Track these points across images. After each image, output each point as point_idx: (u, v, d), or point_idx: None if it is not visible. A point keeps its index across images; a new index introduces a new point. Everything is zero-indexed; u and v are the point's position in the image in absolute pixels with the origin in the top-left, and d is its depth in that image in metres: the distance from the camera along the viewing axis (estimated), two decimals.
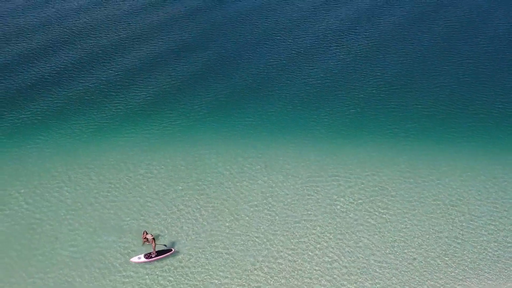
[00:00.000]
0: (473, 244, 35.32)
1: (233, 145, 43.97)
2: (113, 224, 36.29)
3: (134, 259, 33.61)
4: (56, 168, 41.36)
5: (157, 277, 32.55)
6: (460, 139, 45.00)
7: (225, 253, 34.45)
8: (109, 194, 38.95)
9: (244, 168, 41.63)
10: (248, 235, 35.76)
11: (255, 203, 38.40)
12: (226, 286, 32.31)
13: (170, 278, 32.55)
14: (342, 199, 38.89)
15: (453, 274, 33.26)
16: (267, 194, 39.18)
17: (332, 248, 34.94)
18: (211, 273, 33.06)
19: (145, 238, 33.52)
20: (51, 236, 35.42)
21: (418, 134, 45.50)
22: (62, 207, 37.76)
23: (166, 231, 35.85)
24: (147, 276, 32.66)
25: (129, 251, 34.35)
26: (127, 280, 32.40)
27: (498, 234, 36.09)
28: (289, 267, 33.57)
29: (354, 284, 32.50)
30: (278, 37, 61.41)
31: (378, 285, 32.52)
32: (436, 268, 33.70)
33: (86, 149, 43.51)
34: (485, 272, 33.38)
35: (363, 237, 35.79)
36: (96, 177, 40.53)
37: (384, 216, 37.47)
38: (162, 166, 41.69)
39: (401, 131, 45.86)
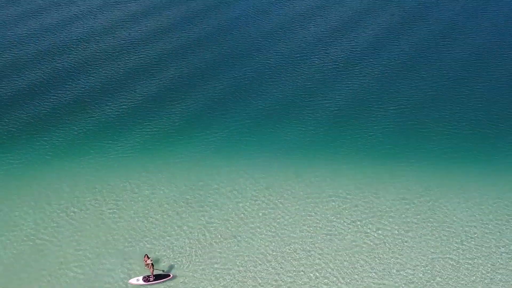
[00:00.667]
0: (467, 265, 36.42)
1: (234, 166, 45.14)
2: (117, 246, 37.47)
3: (133, 281, 34.70)
4: (63, 188, 42.58)
5: None
6: (453, 159, 46.15)
7: (226, 273, 35.61)
8: (114, 215, 40.15)
9: (246, 188, 42.78)
10: (248, 256, 36.93)
11: (256, 224, 39.59)
12: None
13: None
14: (339, 219, 40.03)
15: None
16: (267, 215, 40.35)
17: (331, 269, 36.09)
18: None
19: (146, 262, 34.65)
20: (58, 257, 36.62)
21: (413, 155, 46.65)
22: (69, 228, 38.96)
23: (168, 253, 37.00)
24: None
25: (130, 273, 35.50)
26: None
27: (492, 256, 37.20)
28: (289, 285, 34.83)
29: None
30: (277, 46, 62.67)
31: None
32: None
33: (91, 168, 44.74)
34: None
35: (360, 258, 36.92)
36: (102, 198, 41.77)
37: (380, 237, 38.60)
38: (166, 187, 42.86)
39: (398, 151, 47.06)
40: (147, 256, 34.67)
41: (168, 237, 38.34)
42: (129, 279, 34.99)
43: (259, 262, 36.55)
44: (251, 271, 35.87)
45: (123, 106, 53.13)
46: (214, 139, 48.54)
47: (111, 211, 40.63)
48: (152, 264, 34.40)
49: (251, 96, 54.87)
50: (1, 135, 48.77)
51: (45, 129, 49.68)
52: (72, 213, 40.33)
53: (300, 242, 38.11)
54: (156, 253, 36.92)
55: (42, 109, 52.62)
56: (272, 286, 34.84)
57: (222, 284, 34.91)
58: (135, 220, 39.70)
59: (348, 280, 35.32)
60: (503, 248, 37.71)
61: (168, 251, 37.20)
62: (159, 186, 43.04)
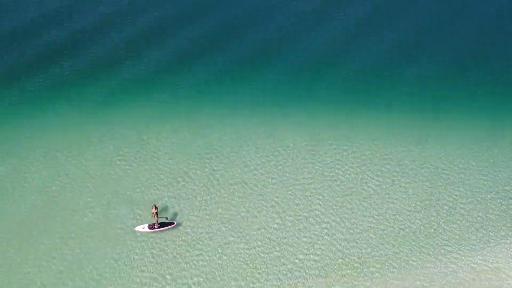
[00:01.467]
0: (462, 211, 38.07)
1: (238, 115, 46.01)
2: (126, 194, 39.05)
3: (139, 228, 36.48)
4: (75, 137, 43.61)
5: (155, 246, 35.60)
6: (450, 106, 46.85)
7: (230, 219, 37.37)
8: (123, 163, 41.48)
9: (250, 137, 43.79)
10: (251, 202, 38.60)
11: (259, 171, 40.92)
12: (228, 254, 35.43)
13: (165, 248, 35.57)
14: (338, 166, 41.37)
15: (443, 238, 36.21)
16: (269, 162, 41.62)
17: (330, 213, 37.84)
18: (212, 241, 36.13)
19: (152, 211, 36.17)
20: (69, 206, 38.24)
21: (410, 102, 47.32)
22: (80, 177, 40.32)
23: (173, 201, 38.59)
24: (143, 244, 35.74)
25: (139, 219, 37.27)
26: (128, 246, 35.56)
27: (485, 201, 38.79)
28: (291, 230, 36.65)
29: (351, 244, 35.62)
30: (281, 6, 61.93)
31: (373, 250, 35.55)
32: (427, 234, 36.59)
33: (102, 118, 45.60)
34: (472, 239, 36.33)
35: (358, 203, 38.63)
36: (111, 146, 42.93)
37: (378, 182, 40.06)
38: (172, 136, 43.88)
39: (396, 99, 47.68)
40: (155, 206, 36.20)
41: (174, 185, 39.78)
42: (137, 226, 36.72)
43: (262, 207, 38.19)
44: (255, 216, 37.58)
45: (128, 61, 53.29)
46: (216, 87, 49.01)
47: (120, 158, 41.89)
48: (156, 213, 35.99)
49: (250, 42, 54.78)
50: (10, 85, 49.20)
51: (57, 77, 49.99)
52: (82, 162, 41.54)
53: (301, 188, 39.61)
54: (163, 200, 38.48)
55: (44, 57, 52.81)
56: (275, 229, 36.65)
57: (226, 228, 36.71)
58: (144, 168, 41.02)
59: (346, 224, 37.07)
60: (495, 194, 39.26)
61: (173, 199, 38.76)
62: (165, 135, 44.02)
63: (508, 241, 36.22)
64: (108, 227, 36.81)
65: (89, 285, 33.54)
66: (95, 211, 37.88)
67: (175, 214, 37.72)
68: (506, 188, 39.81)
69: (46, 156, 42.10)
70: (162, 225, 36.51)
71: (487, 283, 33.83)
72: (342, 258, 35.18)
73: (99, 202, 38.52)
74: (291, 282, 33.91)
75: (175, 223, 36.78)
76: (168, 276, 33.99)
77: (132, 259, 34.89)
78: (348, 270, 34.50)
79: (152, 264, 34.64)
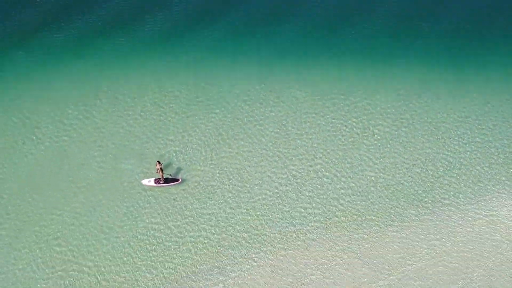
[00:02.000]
0: (459, 165, 39.15)
1: (241, 70, 46.22)
2: (133, 148, 40.13)
3: (145, 181, 37.64)
4: (83, 91, 44.15)
5: (162, 199, 37.06)
6: (451, 59, 46.94)
7: (234, 173, 38.59)
8: (131, 117, 42.27)
9: (253, 91, 44.28)
10: (255, 155, 39.73)
11: (264, 125, 41.77)
12: (233, 206, 36.83)
13: (172, 201, 37.05)
14: (339, 119, 42.13)
15: (441, 191, 37.45)
16: (273, 115, 42.39)
17: (332, 166, 39.04)
18: (217, 194, 37.46)
19: (156, 167, 37.26)
20: (79, 159, 39.44)
21: (412, 54, 47.38)
22: (88, 130, 41.25)
23: (179, 157, 39.66)
24: (150, 197, 37.19)
25: (146, 172, 38.50)
26: (136, 199, 37.06)
27: (483, 153, 39.73)
28: (293, 182, 37.99)
29: (352, 197, 36.96)
30: None
31: (372, 202, 36.88)
32: (425, 187, 37.81)
33: (110, 72, 45.87)
34: (469, 192, 37.61)
35: (359, 154, 39.70)
36: (123, 98, 43.58)
37: (378, 134, 40.93)
38: (176, 89, 44.40)
39: (397, 52, 47.74)
40: (159, 162, 37.29)
41: (179, 139, 40.74)
42: (143, 179, 37.97)
43: (266, 160, 39.29)
44: (259, 168, 38.78)
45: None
46: (220, 43, 48.90)
47: (129, 111, 42.64)
48: (161, 169, 37.11)
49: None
50: (19, 33, 49.26)
51: (67, 32, 49.94)
52: (90, 116, 42.34)
53: (304, 142, 40.57)
54: (170, 154, 39.55)
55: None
56: (278, 181, 38.01)
57: (231, 181, 38.02)
58: (150, 122, 41.84)
59: (347, 177, 38.29)
60: (494, 149, 40.14)
61: (179, 153, 39.79)
62: (171, 89, 44.52)
63: (503, 193, 37.41)
64: (116, 180, 38.10)
65: (99, 237, 35.18)
66: (103, 164, 39.08)
67: (180, 169, 38.85)
68: (504, 142, 40.61)
69: (55, 109, 42.79)
70: (167, 180, 37.64)
71: (482, 233, 35.27)
72: (342, 210, 36.56)
73: (107, 155, 39.65)
74: (293, 232, 35.44)
75: (180, 180, 37.92)
76: (174, 229, 35.57)
77: (140, 212, 36.39)
78: (348, 222, 35.94)
79: (160, 216, 36.14)
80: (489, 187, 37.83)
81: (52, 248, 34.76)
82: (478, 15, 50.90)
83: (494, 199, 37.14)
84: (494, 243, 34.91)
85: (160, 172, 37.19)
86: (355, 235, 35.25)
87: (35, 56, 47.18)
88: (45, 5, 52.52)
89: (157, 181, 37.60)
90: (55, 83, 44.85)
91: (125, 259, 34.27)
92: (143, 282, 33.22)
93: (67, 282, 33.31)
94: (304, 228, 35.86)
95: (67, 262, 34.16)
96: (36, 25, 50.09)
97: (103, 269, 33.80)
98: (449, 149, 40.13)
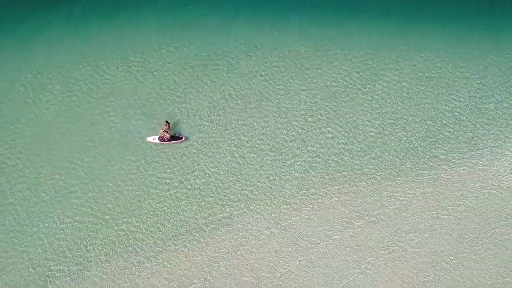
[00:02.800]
0: (456, 119, 40.67)
1: (244, 23, 46.62)
2: (142, 105, 41.57)
3: (150, 138, 39.28)
4: (95, 46, 44.88)
5: (159, 156, 38.98)
6: (451, 13, 47.34)
7: (239, 127, 40.32)
8: (141, 73, 43.35)
9: (257, 46, 45.05)
10: (261, 110, 41.26)
11: (268, 80, 43.00)
12: (238, 161, 38.79)
13: (180, 157, 39.02)
14: (341, 76, 43.24)
15: (438, 146, 39.23)
16: (278, 71, 43.53)
17: (334, 123, 40.57)
18: (222, 149, 39.34)
19: (165, 126, 38.96)
20: (91, 116, 41.07)
21: (412, 8, 47.63)
22: (101, 85, 42.48)
23: (185, 117, 41.07)
24: (151, 154, 39.12)
25: (153, 130, 40.18)
26: (144, 154, 39.09)
27: (483, 110, 41.21)
28: (297, 136, 39.77)
29: (353, 152, 38.86)
30: None
31: (372, 156, 38.77)
32: (424, 142, 39.54)
33: (116, 28, 46.35)
34: (464, 147, 39.36)
35: (360, 110, 41.15)
36: (134, 56, 44.33)
37: (378, 92, 42.23)
38: (187, 48, 45.05)
39: (397, 5, 48.05)
40: (167, 122, 38.93)
41: (186, 96, 42.11)
42: (148, 136, 39.76)
43: (271, 115, 40.87)
44: (263, 123, 40.46)
45: None
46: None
47: (138, 67, 43.62)
48: (169, 127, 38.86)
49: None
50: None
51: None
52: (101, 69, 43.43)
53: (307, 95, 41.93)
54: (175, 112, 41.13)
55: None
56: (282, 136, 39.74)
57: (235, 137, 39.78)
58: (157, 79, 43.00)
59: (349, 130, 40.09)
60: (492, 105, 41.51)
61: (186, 111, 41.29)
62: (177, 44, 45.25)
63: (498, 148, 39.10)
64: (127, 136, 39.87)
65: (113, 190, 37.45)
66: (115, 120, 40.73)
67: (186, 127, 40.41)
68: (501, 97, 41.82)
69: (66, 66, 43.82)
70: (172, 138, 39.28)
71: (475, 187, 37.29)
72: (343, 165, 38.45)
73: (116, 112, 41.18)
74: (295, 186, 37.54)
75: (184, 138, 39.48)
76: (184, 182, 37.73)
77: (150, 167, 38.43)
78: (348, 176, 37.93)
79: (169, 170, 38.22)
80: (484, 142, 39.42)
81: (69, 200, 37.11)
82: None
83: (488, 154, 38.84)
84: (485, 196, 36.96)
85: (167, 131, 38.86)
86: (354, 188, 37.31)
87: (45, 12, 47.56)
88: None
89: (161, 138, 39.23)
90: (66, 40, 45.58)
91: (138, 210, 36.66)
92: (156, 233, 35.75)
93: (84, 231, 35.87)
94: (307, 180, 37.92)
95: (84, 213, 36.61)
96: None
97: (118, 220, 36.26)
98: (447, 104, 41.46)
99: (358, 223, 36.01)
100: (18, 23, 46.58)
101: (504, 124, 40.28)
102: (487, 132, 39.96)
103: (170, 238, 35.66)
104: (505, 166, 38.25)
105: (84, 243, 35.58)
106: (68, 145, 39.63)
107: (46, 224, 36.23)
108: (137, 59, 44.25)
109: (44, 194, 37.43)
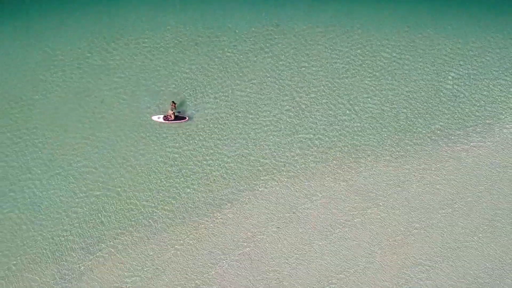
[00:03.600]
0: (455, 93, 42.19)
1: (247, 4, 47.60)
2: (148, 85, 43.03)
3: (155, 117, 40.98)
4: (103, 25, 45.97)
5: (163, 135, 40.82)
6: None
7: (243, 105, 42.02)
8: (147, 54, 44.63)
9: (259, 24, 46.19)
10: (266, 87, 42.86)
11: (274, 57, 44.35)
12: (245, 136, 40.67)
13: (182, 139, 40.94)
14: (342, 51, 44.49)
15: (438, 120, 40.94)
16: (282, 48, 44.80)
17: (336, 98, 42.27)
18: (228, 126, 41.14)
19: (171, 106, 40.71)
20: (98, 96, 42.59)
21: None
22: (109, 72, 43.68)
23: (190, 96, 42.58)
24: (158, 133, 40.93)
25: (159, 108, 41.91)
26: (151, 132, 40.91)
27: (485, 86, 42.67)
28: (300, 112, 41.52)
29: (354, 129, 40.66)
30: None
31: (372, 131, 40.58)
32: (423, 118, 41.22)
33: (121, 12, 47.10)
34: (460, 125, 41.04)
35: (362, 87, 42.69)
36: (148, 43, 45.18)
37: (379, 67, 43.59)
38: (188, 25, 46.18)
39: None
40: (173, 102, 40.71)
41: (191, 79, 43.39)
42: (153, 115, 41.46)
43: (275, 92, 42.52)
44: (268, 100, 42.06)
45: None
46: None
47: (145, 44, 44.90)
48: (175, 107, 40.63)
49: None
50: None
51: None
52: (110, 46, 44.69)
53: (310, 72, 43.41)
54: (181, 91, 42.65)
55: None
56: (288, 111, 41.48)
57: (241, 114, 41.54)
58: (166, 54, 44.31)
59: (351, 107, 41.83)
60: (488, 81, 42.93)
61: (191, 92, 42.72)
62: (182, 23, 46.25)
63: (492, 124, 40.79)
64: (135, 114, 41.59)
65: (124, 165, 39.60)
66: (123, 97, 42.36)
67: (190, 105, 42.02)
68: (497, 74, 43.16)
69: (76, 43, 45.00)
70: (176, 118, 40.87)
71: (469, 162, 39.24)
72: (343, 142, 40.30)
73: (124, 91, 42.68)
74: (298, 160, 39.50)
75: (187, 118, 41.07)
76: (192, 157, 39.72)
77: (159, 143, 40.38)
78: (348, 151, 39.85)
79: (176, 148, 40.15)
80: (480, 119, 41.03)
81: (83, 175, 39.17)
82: None
83: (484, 131, 40.52)
84: (478, 172, 38.91)
85: (173, 112, 40.59)
86: (353, 164, 39.25)
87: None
88: None
89: (166, 118, 40.84)
90: (76, 18, 46.50)
91: (149, 184, 38.78)
92: (167, 206, 38.04)
93: (99, 203, 38.12)
94: (309, 157, 39.84)
95: (97, 186, 38.75)
96: None
97: (130, 193, 38.43)
98: (445, 81, 42.86)
99: (353, 199, 38.07)
100: (29, 2, 47.63)
101: (500, 102, 41.83)
102: (483, 109, 41.50)
103: (181, 212, 37.92)
104: (498, 142, 40.03)
105: (99, 215, 37.86)
106: (80, 121, 41.37)
107: (63, 199, 38.40)
108: (146, 35, 45.38)
109: (59, 168, 39.47)
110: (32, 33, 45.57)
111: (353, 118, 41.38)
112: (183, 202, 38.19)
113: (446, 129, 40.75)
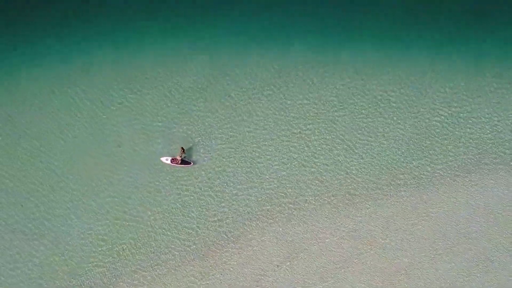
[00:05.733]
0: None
1: (252, 57, 50.38)
2: (162, 129, 46.44)
3: (163, 159, 44.58)
4: (120, 77, 49.13)
5: (168, 177, 44.39)
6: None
7: (250, 150, 45.41)
8: (162, 102, 47.90)
9: (263, 76, 49.19)
10: (270, 133, 45.99)
11: (286, 111, 47.64)
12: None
13: (167, 180, 44.33)
14: (350, 99, 47.50)
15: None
16: (283, 99, 48.22)
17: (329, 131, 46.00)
18: (234, 175, 44.43)
19: (180, 152, 44.28)
20: (114, 139, 46.06)
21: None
22: (126, 112, 47.12)
23: (198, 141, 45.85)
24: (162, 173, 44.47)
25: (169, 151, 45.40)
26: (165, 175, 44.47)
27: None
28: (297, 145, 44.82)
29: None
30: None
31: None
32: (418, 159, 44.25)
33: (136, 59, 50.43)
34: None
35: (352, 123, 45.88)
36: (161, 89, 48.50)
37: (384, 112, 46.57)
38: (199, 80, 49.20)
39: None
40: (183, 148, 44.30)
41: (199, 122, 46.74)
42: (162, 157, 44.93)
43: (288, 140, 45.76)
44: (271, 151, 45.45)
45: None
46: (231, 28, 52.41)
47: (159, 91, 48.17)
48: (183, 152, 44.18)
49: None
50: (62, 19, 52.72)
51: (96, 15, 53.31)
52: (131, 101, 47.77)
53: (307, 110, 47.14)
54: (188, 143, 45.63)
55: None
56: (295, 153, 44.83)
57: (244, 160, 44.86)
58: (176, 102, 47.64)
59: (342, 141, 45.25)
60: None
61: (199, 136, 45.90)
62: (199, 80, 49.15)
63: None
64: (149, 159, 45.02)
65: (135, 202, 43.29)
66: (138, 143, 45.72)
67: (196, 152, 45.26)
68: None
69: (94, 91, 48.29)
70: (182, 162, 44.30)
71: (462, 202, 42.08)
72: (338, 174, 43.72)
73: (140, 135, 46.02)
74: (305, 201, 42.73)
75: (192, 163, 44.45)
76: (205, 198, 43.38)
77: (172, 187, 44.00)
78: (341, 183, 43.36)
79: (187, 190, 43.91)
80: (476, 159, 43.95)
81: (98, 221, 42.73)
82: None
83: (483, 172, 43.42)
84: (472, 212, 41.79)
85: (180, 156, 44.14)
86: (347, 196, 42.60)
87: (75, 41, 51.34)
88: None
89: (173, 160, 44.36)
90: (93, 67, 49.73)
91: (158, 222, 42.42)
92: (185, 240, 41.77)
93: (121, 231, 42.07)
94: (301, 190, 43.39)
95: (119, 215, 42.75)
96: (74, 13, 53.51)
97: (149, 228, 42.27)
98: (434, 117, 46.08)
99: (354, 242, 40.86)
100: (48, 50, 50.97)
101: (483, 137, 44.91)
102: (480, 152, 44.43)
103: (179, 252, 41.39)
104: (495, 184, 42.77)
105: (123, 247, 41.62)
106: (96, 166, 44.84)
107: (84, 247, 41.81)
108: (156, 85, 48.46)
109: (83, 209, 42.97)
110: (54, 77, 48.92)
111: (347, 153, 44.56)
112: (200, 236, 41.67)
113: (444, 170, 43.59)
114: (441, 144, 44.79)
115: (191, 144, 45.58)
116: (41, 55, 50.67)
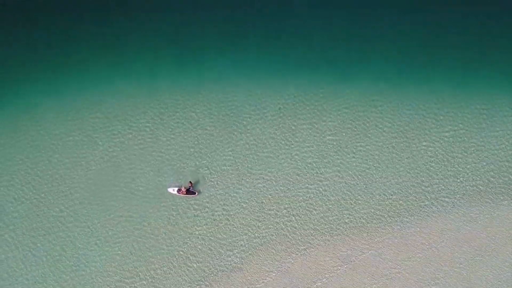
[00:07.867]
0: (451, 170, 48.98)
1: (261, 92, 54.33)
2: (172, 164, 50.39)
3: (170, 189, 48.70)
4: (138, 112, 52.95)
5: (175, 205, 48.44)
6: None
7: (256, 188, 49.53)
8: (170, 132, 51.86)
9: (272, 116, 53.28)
10: (285, 172, 50.03)
11: (299, 151, 51.54)
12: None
13: (174, 209, 48.40)
14: (363, 138, 51.34)
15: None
16: (295, 140, 51.96)
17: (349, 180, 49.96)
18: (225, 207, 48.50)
19: (188, 184, 48.36)
20: (129, 174, 50.00)
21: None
22: (137, 141, 51.06)
23: (204, 173, 49.89)
24: (170, 202, 48.45)
25: (178, 181, 49.53)
26: (176, 207, 48.46)
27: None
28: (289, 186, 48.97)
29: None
30: None
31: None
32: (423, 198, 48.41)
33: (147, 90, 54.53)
34: None
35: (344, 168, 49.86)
36: (165, 113, 52.46)
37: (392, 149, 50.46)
38: (209, 113, 52.96)
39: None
40: (191, 182, 48.31)
41: (209, 157, 50.62)
42: (169, 188, 48.93)
43: (296, 180, 49.81)
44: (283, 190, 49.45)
45: None
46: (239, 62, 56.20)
47: (168, 127, 51.91)
48: (191, 185, 48.14)
49: None
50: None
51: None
52: (137, 127, 51.79)
53: (302, 153, 50.71)
54: (193, 176, 49.54)
55: None
56: (304, 193, 48.95)
57: (250, 200, 48.77)
58: (185, 137, 51.49)
59: (331, 185, 49.43)
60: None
61: (206, 170, 49.80)
62: (200, 109, 53.19)
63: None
64: (161, 192, 48.95)
65: (150, 232, 47.51)
66: (149, 177, 49.72)
67: (201, 186, 49.10)
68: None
69: (108, 125, 52.19)
70: (188, 192, 48.37)
71: (463, 238, 46.00)
72: (328, 217, 47.84)
73: (153, 169, 49.97)
74: (312, 238, 46.78)
75: (197, 193, 48.48)
76: (214, 230, 47.60)
77: (183, 219, 48.10)
78: (333, 226, 47.30)
79: (198, 224, 47.86)
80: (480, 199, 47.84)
81: (113, 254, 46.93)
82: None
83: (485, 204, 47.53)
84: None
85: (185, 188, 48.16)
86: (340, 236, 46.58)
87: (88, 76, 55.20)
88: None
89: (179, 190, 48.43)
90: (106, 101, 53.50)
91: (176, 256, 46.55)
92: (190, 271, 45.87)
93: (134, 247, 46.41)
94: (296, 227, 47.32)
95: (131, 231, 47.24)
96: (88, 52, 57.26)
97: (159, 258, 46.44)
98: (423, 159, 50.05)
99: (345, 267, 45.08)
100: (63, 88, 54.98)
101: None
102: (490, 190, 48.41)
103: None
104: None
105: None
106: (110, 198, 48.82)
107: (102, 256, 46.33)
108: (166, 119, 52.35)
109: (95, 239, 47.19)
110: (69, 115, 52.86)
111: (337, 200, 48.43)
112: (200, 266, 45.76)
113: (446, 212, 47.42)
114: None
115: (199, 177, 49.42)
116: (58, 88, 54.77)
